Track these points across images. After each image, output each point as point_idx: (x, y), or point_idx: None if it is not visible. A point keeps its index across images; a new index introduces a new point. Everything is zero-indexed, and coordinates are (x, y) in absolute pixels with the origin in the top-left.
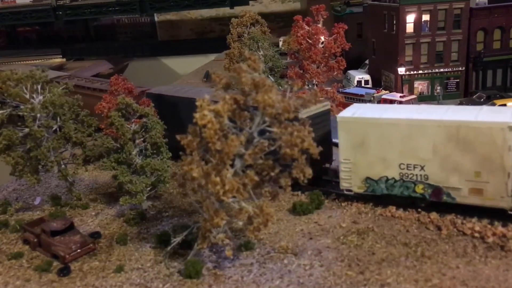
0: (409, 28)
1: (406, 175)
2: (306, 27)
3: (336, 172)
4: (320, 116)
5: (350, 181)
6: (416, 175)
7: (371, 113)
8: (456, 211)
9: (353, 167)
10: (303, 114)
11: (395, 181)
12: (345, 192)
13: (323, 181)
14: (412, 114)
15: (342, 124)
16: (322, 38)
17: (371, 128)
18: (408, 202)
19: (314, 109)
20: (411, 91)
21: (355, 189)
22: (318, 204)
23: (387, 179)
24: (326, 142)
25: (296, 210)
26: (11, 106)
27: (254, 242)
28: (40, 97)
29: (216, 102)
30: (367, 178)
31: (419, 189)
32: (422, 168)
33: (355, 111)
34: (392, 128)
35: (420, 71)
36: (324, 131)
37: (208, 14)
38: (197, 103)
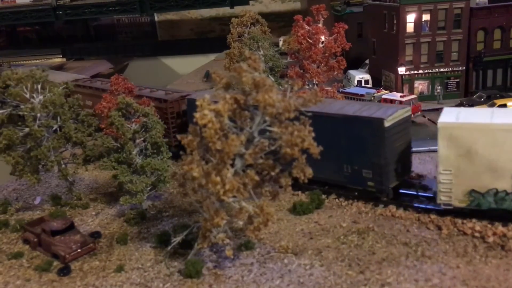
0: (409, 28)
1: None
2: (306, 27)
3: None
4: (403, 123)
5: (450, 194)
6: None
7: (479, 118)
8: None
9: (454, 179)
10: (388, 121)
11: (507, 193)
12: (443, 207)
13: (402, 195)
14: None
15: (443, 131)
16: (322, 38)
17: (480, 135)
18: None
19: (398, 115)
20: (411, 91)
21: (455, 203)
22: (319, 204)
23: (497, 192)
24: (408, 151)
25: (296, 209)
26: (11, 105)
27: (254, 241)
28: (40, 97)
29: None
30: (472, 191)
31: None
32: None
33: (456, 115)
34: (508, 134)
35: (420, 71)
36: (406, 139)
37: (208, 14)
38: (197, 103)
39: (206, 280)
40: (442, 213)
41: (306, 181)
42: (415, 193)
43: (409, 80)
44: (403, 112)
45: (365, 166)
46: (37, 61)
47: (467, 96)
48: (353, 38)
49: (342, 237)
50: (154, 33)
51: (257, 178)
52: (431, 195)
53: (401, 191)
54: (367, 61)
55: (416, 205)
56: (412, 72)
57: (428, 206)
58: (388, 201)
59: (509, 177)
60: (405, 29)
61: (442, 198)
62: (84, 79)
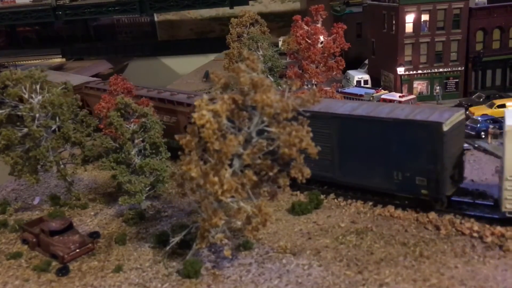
0: (409, 28)
1: None
2: (305, 27)
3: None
4: (459, 127)
5: None
6: None
7: None
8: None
9: None
10: (447, 125)
11: None
12: (508, 215)
13: (456, 203)
14: None
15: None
16: (321, 38)
17: None
18: None
19: (455, 119)
20: (410, 91)
21: None
22: (317, 204)
23: None
24: (462, 157)
25: (295, 210)
26: (10, 106)
27: (252, 242)
28: (39, 97)
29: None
30: None
31: None
32: None
33: None
34: None
35: (420, 71)
36: (461, 144)
37: (208, 14)
38: (196, 103)
39: (204, 280)
40: (441, 212)
41: (304, 181)
42: (471, 201)
43: (408, 80)
44: (458, 115)
45: (419, 173)
46: (37, 61)
47: (466, 96)
48: (352, 38)
49: (340, 237)
50: (154, 33)
51: (255, 178)
52: (491, 203)
53: (452, 199)
54: (366, 61)
55: (474, 213)
56: (411, 72)
57: (487, 215)
58: (444, 210)
59: None
60: (404, 29)
61: (507, 206)
62: (96, 81)
